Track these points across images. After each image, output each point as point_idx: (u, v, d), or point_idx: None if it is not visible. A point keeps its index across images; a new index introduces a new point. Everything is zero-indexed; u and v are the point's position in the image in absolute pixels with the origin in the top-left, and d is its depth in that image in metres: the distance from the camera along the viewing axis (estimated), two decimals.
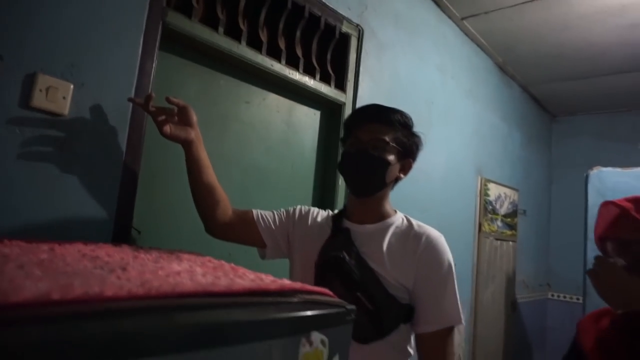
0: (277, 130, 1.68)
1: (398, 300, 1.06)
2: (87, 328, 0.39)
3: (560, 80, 3.33)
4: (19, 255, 0.64)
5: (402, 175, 1.17)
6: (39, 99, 0.97)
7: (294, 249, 1.21)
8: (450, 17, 2.55)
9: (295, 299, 0.60)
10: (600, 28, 2.51)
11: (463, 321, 1.09)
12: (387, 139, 1.09)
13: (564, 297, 3.81)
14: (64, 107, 1.02)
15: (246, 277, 0.69)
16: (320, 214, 1.27)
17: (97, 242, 0.92)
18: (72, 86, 1.03)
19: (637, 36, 2.56)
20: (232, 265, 0.82)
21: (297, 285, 0.66)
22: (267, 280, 0.66)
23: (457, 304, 1.09)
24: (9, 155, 0.95)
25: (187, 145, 1.11)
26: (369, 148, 1.10)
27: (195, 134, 1.12)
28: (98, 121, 1.09)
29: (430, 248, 1.10)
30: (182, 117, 1.10)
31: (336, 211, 1.27)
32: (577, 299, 3.54)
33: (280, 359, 0.54)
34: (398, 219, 1.17)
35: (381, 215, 1.17)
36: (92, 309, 0.42)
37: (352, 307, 0.66)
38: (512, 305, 3.20)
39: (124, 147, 1.14)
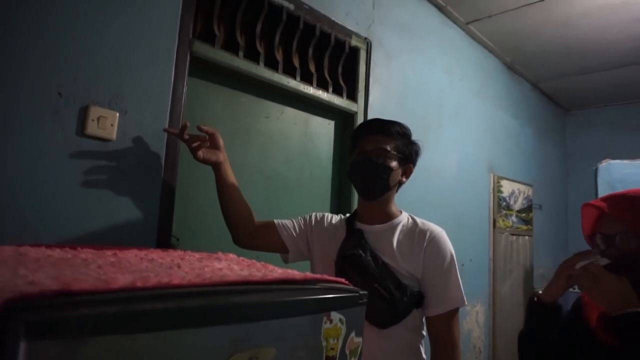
0: (295, 141, 1.83)
1: (410, 288, 1.20)
2: (162, 305, 0.54)
3: (570, 76, 3.39)
4: (94, 258, 0.80)
5: (404, 179, 1.33)
6: (92, 128, 1.14)
7: (314, 250, 1.36)
8: (455, 22, 2.66)
9: (317, 286, 0.74)
10: (603, 24, 2.58)
11: (466, 302, 1.26)
12: (388, 147, 1.25)
13: None
14: (112, 133, 1.18)
15: (275, 271, 0.83)
16: (334, 218, 1.42)
17: (147, 247, 1.07)
18: (117, 114, 1.20)
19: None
20: (263, 263, 0.97)
21: (318, 276, 0.79)
22: (293, 273, 0.80)
23: (460, 288, 1.25)
24: (69, 176, 1.12)
25: (217, 167, 1.28)
26: (373, 156, 1.25)
27: (223, 156, 1.29)
28: (140, 143, 1.25)
29: (434, 242, 1.25)
30: (212, 142, 1.26)
31: (347, 215, 1.41)
32: None
33: (307, 333, 0.67)
34: (404, 218, 1.33)
35: (388, 216, 1.32)
36: (164, 292, 0.57)
37: (365, 292, 0.79)
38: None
39: (162, 163, 1.30)
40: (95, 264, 0.74)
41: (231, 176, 1.32)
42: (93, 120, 1.14)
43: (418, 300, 1.22)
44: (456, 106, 2.66)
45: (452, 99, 2.62)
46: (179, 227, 1.40)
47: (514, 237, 3.06)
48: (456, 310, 1.24)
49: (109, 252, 0.91)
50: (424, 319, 1.27)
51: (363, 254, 1.21)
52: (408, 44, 2.30)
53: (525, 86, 3.52)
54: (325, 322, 0.71)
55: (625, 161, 2.58)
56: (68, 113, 1.12)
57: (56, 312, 0.47)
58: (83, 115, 1.14)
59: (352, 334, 0.76)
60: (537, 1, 2.39)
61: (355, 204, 1.91)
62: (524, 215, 3.16)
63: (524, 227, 3.17)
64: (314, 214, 1.44)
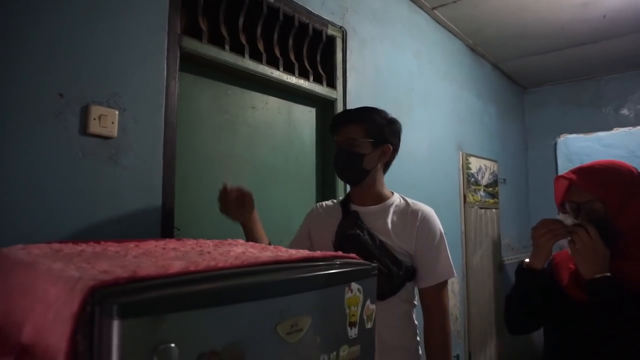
0: (279, 130, 1.89)
1: (404, 263, 1.33)
2: (219, 285, 0.62)
3: (526, 56, 3.59)
4: (124, 250, 0.85)
5: (383, 160, 1.41)
6: (94, 126, 1.17)
7: (313, 237, 1.48)
8: (421, 8, 2.77)
9: (337, 262, 0.83)
10: (556, 7, 2.76)
11: (455, 274, 1.39)
12: (356, 135, 1.35)
13: None
14: (114, 130, 1.22)
15: (289, 252, 0.91)
16: (327, 204, 1.53)
17: (158, 239, 1.13)
18: (117, 112, 1.23)
19: (590, 12, 2.82)
20: (275, 246, 1.05)
21: (334, 253, 0.89)
22: (311, 252, 0.89)
23: (450, 261, 1.38)
24: (74, 173, 1.15)
25: (243, 225, 1.38)
26: (345, 147, 1.37)
27: (251, 216, 1.38)
28: (140, 139, 1.29)
29: (425, 221, 1.38)
30: (241, 201, 1.36)
31: (341, 198, 1.51)
32: None
33: (334, 302, 0.77)
34: (396, 199, 1.44)
35: (380, 197, 1.43)
36: (216, 274, 0.64)
37: (376, 264, 0.89)
38: (499, 267, 3.50)
39: (160, 157, 1.34)
40: (131, 255, 0.80)
41: (256, 236, 1.39)
42: (95, 118, 1.17)
43: (412, 274, 1.35)
44: (425, 89, 2.78)
45: (422, 82, 2.75)
46: (178, 218, 1.45)
47: (483, 210, 3.26)
48: (445, 282, 1.37)
49: (132, 244, 0.96)
50: (415, 290, 1.39)
51: (361, 234, 1.31)
52: (380, 31, 2.39)
53: (487, 67, 3.69)
54: (347, 292, 0.80)
55: (581, 135, 2.80)
56: (70, 113, 1.15)
57: (138, 294, 0.54)
58: (85, 114, 1.17)
59: (368, 302, 0.86)
60: None
61: (339, 188, 2.00)
62: (490, 189, 3.37)
63: (491, 201, 3.38)
64: (309, 211, 1.56)
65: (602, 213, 1.15)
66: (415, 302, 1.41)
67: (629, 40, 3.22)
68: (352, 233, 1.33)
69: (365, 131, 1.36)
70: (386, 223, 1.37)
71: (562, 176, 1.24)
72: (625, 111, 3.82)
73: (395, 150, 1.45)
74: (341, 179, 1.48)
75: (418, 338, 1.40)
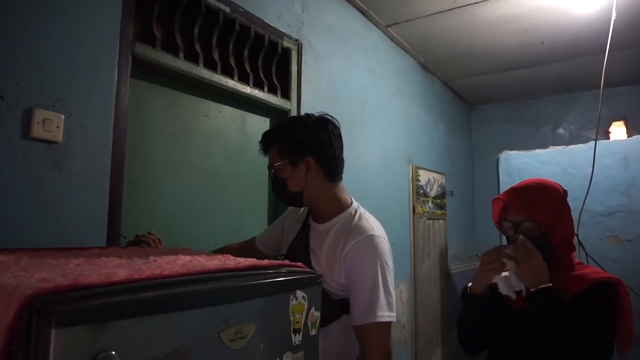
0: (233, 139, 1.90)
1: (330, 296, 1.18)
2: (163, 292, 0.63)
3: (473, 75, 3.79)
4: (66, 259, 0.84)
5: (311, 174, 1.25)
6: (37, 130, 1.14)
7: (283, 238, 1.45)
8: (376, 25, 2.87)
9: (283, 270, 0.85)
10: (500, 32, 2.95)
11: (388, 318, 1.17)
12: (273, 162, 1.28)
13: None
14: (58, 135, 1.18)
15: (237, 261, 0.93)
16: (298, 212, 1.44)
17: (102, 247, 1.11)
18: (62, 116, 1.20)
19: (530, 38, 3.03)
20: (223, 255, 1.06)
21: (280, 262, 0.91)
22: (259, 261, 0.91)
23: (382, 301, 1.16)
24: (14, 180, 1.11)
25: None
26: (272, 175, 1.30)
27: None
28: (87, 144, 1.26)
29: (354, 249, 1.18)
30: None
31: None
32: None
33: (279, 309, 0.79)
34: (347, 214, 1.27)
35: (332, 212, 1.28)
36: (161, 282, 0.65)
37: (321, 273, 0.92)
38: (446, 276, 3.63)
39: (109, 164, 1.32)
40: (72, 263, 0.79)
41: None
42: (38, 122, 1.14)
43: (344, 307, 1.20)
44: (378, 104, 2.87)
45: (374, 97, 2.84)
46: (126, 226, 1.42)
47: (431, 221, 3.38)
48: (382, 323, 1.16)
49: (74, 252, 0.94)
50: None
51: (298, 255, 1.24)
52: (335, 46, 2.45)
53: (437, 84, 3.86)
54: (292, 300, 0.83)
55: (520, 152, 2.98)
56: (11, 116, 1.11)
57: (79, 302, 0.54)
58: (27, 118, 1.13)
59: (312, 309, 0.88)
60: (447, 9, 2.67)
61: None
62: (438, 201, 3.51)
63: (439, 212, 3.51)
64: (287, 212, 1.51)
65: (537, 231, 1.24)
66: None
67: (564, 65, 3.48)
68: (293, 253, 1.29)
69: (280, 152, 1.26)
70: (322, 245, 1.24)
71: (498, 198, 1.34)
72: (561, 130, 4.11)
73: (329, 155, 1.27)
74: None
75: None
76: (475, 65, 3.55)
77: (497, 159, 3.09)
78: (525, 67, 3.53)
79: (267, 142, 1.32)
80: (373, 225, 1.26)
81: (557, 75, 3.70)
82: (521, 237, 1.25)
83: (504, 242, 1.39)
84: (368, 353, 1.17)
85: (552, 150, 2.96)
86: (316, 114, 1.33)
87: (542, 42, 3.09)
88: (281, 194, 1.32)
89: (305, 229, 1.35)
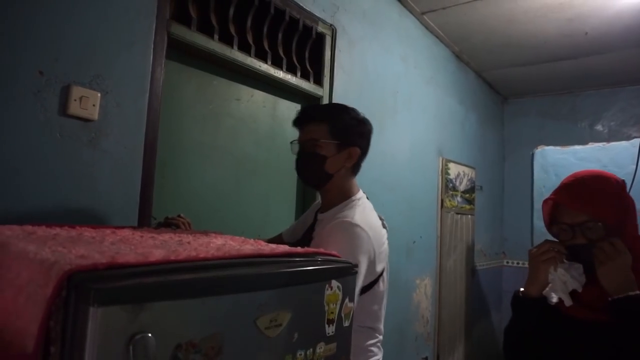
0: (263, 124, 1.88)
1: None
2: (201, 275, 0.61)
3: (509, 67, 3.66)
4: (101, 236, 0.83)
5: (348, 164, 1.26)
6: (74, 108, 1.14)
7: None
8: (411, 12, 2.79)
9: (319, 258, 0.82)
10: (542, 21, 2.82)
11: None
12: (318, 137, 1.22)
13: (517, 263, 4.23)
14: (94, 113, 1.18)
15: (272, 246, 0.91)
16: (315, 205, 1.44)
17: (135, 227, 1.10)
18: (99, 94, 1.19)
19: (573, 29, 2.89)
20: (255, 240, 1.04)
21: (316, 250, 0.88)
22: (294, 248, 0.89)
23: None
24: (51, 155, 1.11)
25: None
26: (306, 148, 1.25)
27: None
28: (122, 123, 1.25)
29: (326, 231, 1.16)
30: None
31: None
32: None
33: (314, 298, 0.76)
34: (344, 204, 1.25)
35: (335, 202, 1.27)
36: (197, 265, 0.63)
37: (356, 263, 0.89)
38: (471, 272, 3.56)
39: (142, 144, 1.31)
40: (107, 241, 0.78)
41: None
42: (75, 100, 1.14)
43: None
44: (410, 93, 2.80)
45: (407, 86, 2.77)
46: (156, 206, 1.42)
47: (459, 216, 3.31)
48: None
49: (108, 231, 0.94)
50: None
51: (302, 246, 1.20)
52: (369, 33, 2.39)
53: (471, 75, 3.75)
54: (327, 289, 0.80)
55: (557, 147, 2.87)
56: (50, 92, 1.11)
57: (117, 281, 0.52)
58: (65, 94, 1.13)
59: (347, 300, 0.86)
60: None
61: None
62: (467, 195, 3.42)
63: (467, 207, 3.43)
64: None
65: (601, 231, 1.05)
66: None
67: (607, 58, 3.32)
68: (301, 244, 1.25)
69: (330, 131, 1.23)
70: (317, 235, 1.22)
71: (548, 198, 1.15)
72: (599, 127, 3.94)
73: (364, 153, 1.30)
74: (302, 181, 1.30)
75: None
76: (512, 56, 3.43)
77: (532, 154, 2.98)
78: (565, 59, 3.39)
79: (319, 116, 1.26)
80: (357, 214, 1.20)
81: (599, 68, 3.53)
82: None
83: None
84: None
85: (592, 146, 2.84)
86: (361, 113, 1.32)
87: (586, 33, 2.95)
88: (314, 170, 1.24)
89: (315, 220, 1.34)
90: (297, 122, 1.30)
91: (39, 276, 0.55)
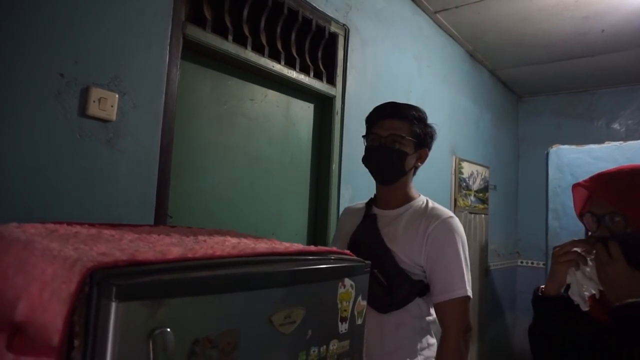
0: (277, 124, 1.90)
1: (410, 276, 1.22)
2: (218, 272, 0.62)
3: (524, 65, 3.63)
4: (120, 234, 0.85)
5: (419, 164, 1.35)
6: (93, 109, 1.16)
7: (337, 238, 1.44)
8: (424, 11, 2.78)
9: (332, 257, 0.84)
10: (557, 19, 2.79)
11: (469, 293, 1.23)
12: (402, 133, 1.26)
13: (531, 263, 4.19)
14: (113, 113, 1.21)
15: (286, 244, 0.92)
16: (354, 206, 1.47)
17: (152, 225, 1.13)
18: (117, 96, 1.22)
19: (589, 26, 2.85)
20: (269, 239, 1.05)
21: (329, 248, 0.89)
22: (307, 246, 0.90)
23: (463, 277, 1.23)
24: (72, 155, 1.14)
25: None
26: (388, 142, 1.27)
27: None
28: (138, 123, 1.28)
29: (438, 227, 1.24)
30: None
31: (368, 200, 1.44)
32: (543, 264, 3.89)
33: (328, 296, 0.78)
34: (419, 202, 1.33)
35: (404, 200, 1.33)
36: (214, 262, 0.65)
37: (369, 262, 0.90)
38: (485, 272, 3.54)
39: (158, 144, 1.34)
40: (126, 239, 0.80)
41: None
42: (94, 101, 1.17)
43: (421, 289, 1.23)
44: (423, 92, 2.80)
45: (420, 85, 2.76)
46: (172, 206, 1.45)
47: (472, 215, 3.29)
48: (462, 299, 1.21)
49: (126, 229, 0.96)
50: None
51: (369, 240, 1.26)
52: (382, 32, 2.39)
53: (485, 74, 3.72)
54: (340, 287, 0.81)
55: (573, 146, 2.83)
56: (70, 94, 1.14)
57: (138, 277, 0.54)
58: (84, 96, 1.16)
59: (360, 298, 0.87)
60: None
61: (333, 186, 2.01)
62: (481, 195, 3.40)
63: (481, 206, 3.41)
64: (341, 216, 1.52)
65: (623, 227, 1.01)
66: (430, 318, 1.29)
67: (624, 56, 3.27)
68: (357, 239, 1.28)
69: (411, 130, 1.28)
70: (398, 228, 1.27)
71: (579, 184, 1.10)
72: (616, 125, 3.88)
73: (428, 154, 1.37)
74: (374, 175, 1.32)
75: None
76: (526, 54, 3.39)
77: (547, 153, 2.94)
78: (581, 57, 3.34)
79: (402, 114, 1.30)
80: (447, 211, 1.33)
81: (616, 66, 3.48)
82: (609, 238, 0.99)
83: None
84: (452, 326, 1.21)
85: (608, 145, 2.79)
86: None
87: (602, 31, 2.91)
88: (394, 165, 1.28)
89: (370, 217, 1.34)
90: (379, 116, 1.32)
91: (62, 272, 0.57)
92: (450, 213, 1.30)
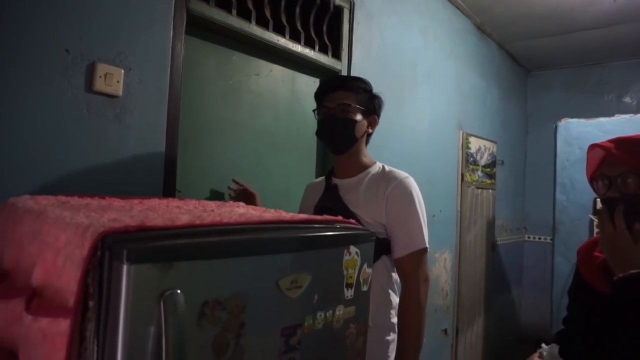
0: (283, 99, 1.89)
1: (376, 235, 1.27)
2: (225, 238, 0.64)
3: (532, 38, 3.56)
4: (129, 205, 0.87)
5: (370, 130, 1.42)
6: (99, 84, 1.17)
7: (301, 212, 1.50)
8: None
9: (337, 225, 0.85)
10: None
11: (426, 244, 1.32)
12: (349, 102, 1.34)
13: (538, 238, 4.20)
14: (119, 89, 1.22)
15: (292, 214, 0.93)
16: (314, 182, 1.57)
17: (161, 197, 1.15)
18: (122, 71, 1.23)
19: None
20: (276, 210, 1.07)
21: (335, 217, 0.91)
22: (311, 215, 0.91)
23: (421, 231, 1.32)
24: (80, 130, 1.16)
25: None
26: (337, 112, 1.34)
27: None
28: (145, 98, 1.29)
29: (396, 187, 1.33)
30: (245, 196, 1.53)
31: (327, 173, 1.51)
32: (550, 239, 3.88)
33: (333, 263, 0.79)
34: (375, 167, 1.42)
35: (361, 167, 1.41)
36: (222, 229, 0.67)
37: (374, 231, 0.92)
38: (492, 247, 3.56)
39: (165, 119, 1.35)
40: (136, 209, 0.82)
41: None
42: (100, 76, 1.17)
43: (385, 246, 1.30)
44: (430, 66, 2.76)
45: (426, 59, 2.73)
46: (179, 180, 1.47)
47: (479, 190, 3.29)
48: (420, 251, 1.31)
49: (136, 201, 0.98)
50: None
51: (333, 207, 1.30)
52: (388, 5, 2.36)
53: (493, 47, 3.66)
54: (346, 255, 0.83)
55: (582, 120, 2.80)
56: (76, 70, 1.14)
57: (148, 242, 0.56)
58: (90, 72, 1.17)
59: (365, 265, 0.88)
60: None
61: None
62: (488, 170, 3.39)
63: (488, 182, 3.41)
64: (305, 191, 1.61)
65: (636, 189, 0.99)
66: (395, 275, 1.36)
67: (637, 27, 3.19)
68: (324, 206, 1.35)
69: (357, 99, 1.36)
70: (359, 193, 1.34)
71: (597, 145, 1.08)
72: (628, 99, 3.82)
73: (378, 121, 1.44)
74: (328, 145, 1.43)
75: (394, 319, 1.34)
76: (535, 26, 3.32)
77: (556, 127, 2.91)
78: (592, 28, 3.27)
79: (346, 84, 1.38)
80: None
81: (628, 38, 3.40)
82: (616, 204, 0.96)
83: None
84: (414, 277, 1.30)
85: (618, 118, 2.75)
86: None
87: (614, 0, 2.83)
88: (342, 134, 1.36)
89: (332, 187, 1.41)
90: (324, 91, 1.39)
91: (75, 238, 0.59)
92: (406, 174, 1.38)
